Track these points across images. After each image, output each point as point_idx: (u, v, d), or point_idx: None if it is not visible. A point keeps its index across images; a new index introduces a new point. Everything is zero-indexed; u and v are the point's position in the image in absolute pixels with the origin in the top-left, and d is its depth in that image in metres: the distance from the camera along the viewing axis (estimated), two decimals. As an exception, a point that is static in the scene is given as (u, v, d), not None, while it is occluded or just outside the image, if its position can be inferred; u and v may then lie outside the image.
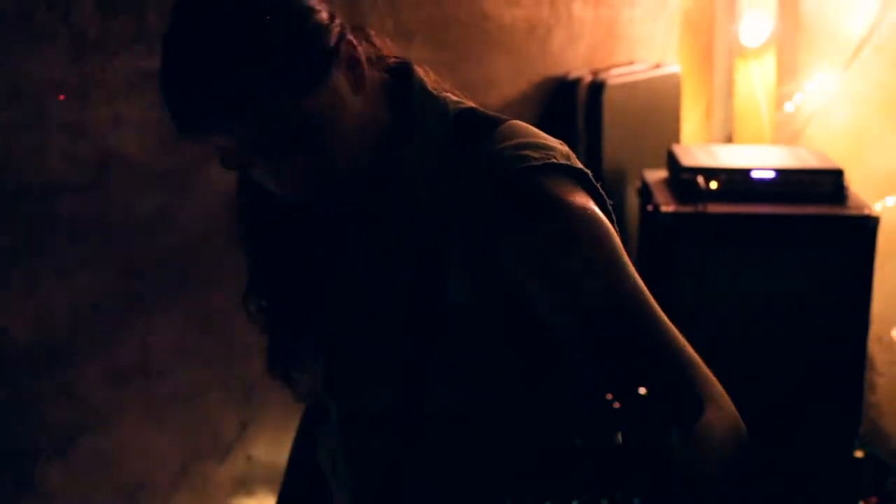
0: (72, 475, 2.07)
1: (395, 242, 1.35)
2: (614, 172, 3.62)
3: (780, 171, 3.18)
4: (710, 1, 4.70)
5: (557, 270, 1.24)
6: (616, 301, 1.22)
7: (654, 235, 3.08)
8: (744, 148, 3.93)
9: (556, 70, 3.65)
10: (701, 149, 3.55)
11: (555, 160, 1.28)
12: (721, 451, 1.11)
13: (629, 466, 0.84)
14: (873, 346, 3.78)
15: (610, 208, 1.33)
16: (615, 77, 3.71)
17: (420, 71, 1.41)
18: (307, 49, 1.22)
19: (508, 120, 1.36)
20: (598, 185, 1.32)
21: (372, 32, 1.39)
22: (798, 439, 3.10)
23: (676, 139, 4.11)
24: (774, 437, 2.85)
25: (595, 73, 3.73)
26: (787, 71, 4.31)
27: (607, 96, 3.61)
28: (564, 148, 1.33)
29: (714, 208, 3.07)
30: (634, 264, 1.28)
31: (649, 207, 3.16)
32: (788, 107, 4.29)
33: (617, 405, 0.88)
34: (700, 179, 3.10)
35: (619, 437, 0.86)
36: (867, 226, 3.02)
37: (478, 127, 1.35)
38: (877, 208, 3.11)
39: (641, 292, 1.23)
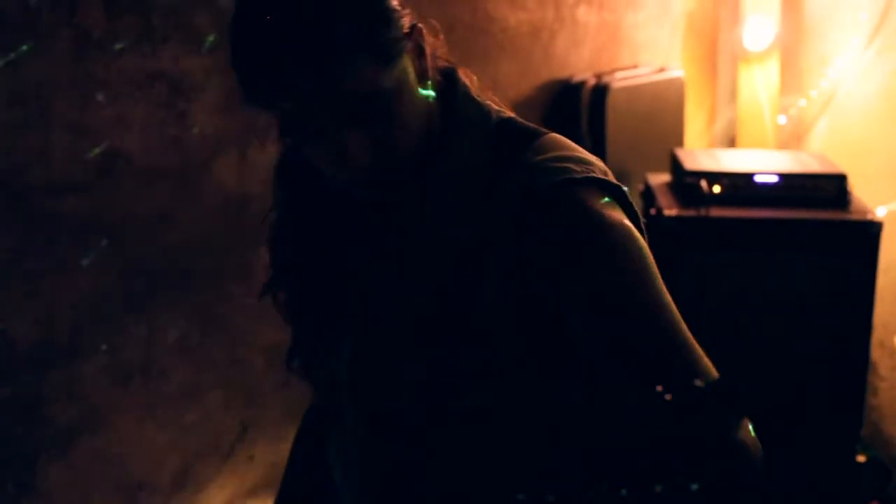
0: (73, 475, 2.07)
1: (432, 242, 1.36)
2: (617, 175, 3.55)
3: (783, 176, 3.18)
4: (714, 5, 4.70)
5: (592, 282, 1.25)
6: (647, 317, 1.23)
7: (656, 239, 3.07)
8: (747, 152, 3.92)
9: (559, 73, 3.65)
10: (704, 153, 3.55)
11: (594, 175, 1.31)
12: (755, 453, 1.16)
13: (697, 455, 0.87)
14: (875, 351, 3.78)
15: (643, 226, 1.36)
16: (619, 81, 3.71)
17: (464, 75, 1.43)
18: (388, 21, 1.25)
19: (548, 132, 1.39)
20: (633, 203, 1.35)
21: (435, 28, 1.40)
22: (800, 443, 3.10)
23: (679, 143, 4.11)
24: (776, 440, 2.84)
25: (599, 76, 3.73)
26: (791, 75, 4.31)
27: (611, 100, 3.61)
28: (601, 164, 1.36)
29: (717, 212, 3.07)
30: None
31: (652, 211, 3.16)
32: (792, 111, 4.29)
33: (668, 398, 0.91)
34: (703, 183, 3.10)
35: (685, 428, 0.89)
36: (870, 231, 3.02)
37: (519, 137, 1.38)
38: (880, 213, 3.10)
39: (672, 311, 1.25)
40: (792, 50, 4.30)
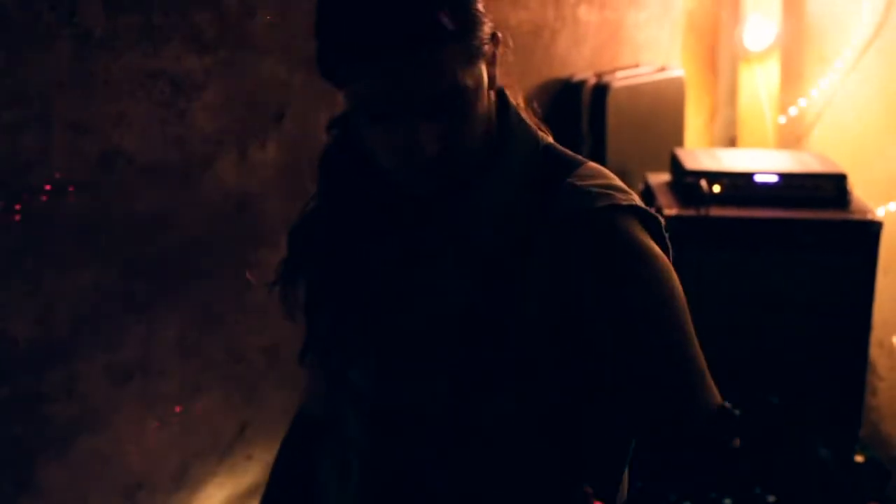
0: (71, 474, 2.07)
1: (470, 251, 1.37)
2: (617, 175, 3.60)
3: (783, 176, 3.18)
4: (715, 5, 4.70)
5: (626, 306, 1.31)
6: (672, 348, 1.30)
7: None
8: (747, 152, 3.92)
9: (560, 72, 3.65)
10: (704, 152, 3.55)
11: (636, 203, 1.36)
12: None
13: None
14: (874, 351, 3.78)
15: (671, 257, 1.39)
16: (619, 80, 3.71)
17: (511, 96, 1.45)
18: (479, 22, 1.28)
19: (588, 161, 1.43)
20: (668, 235, 1.39)
21: (507, 41, 1.42)
22: (798, 443, 3.10)
23: (680, 142, 4.11)
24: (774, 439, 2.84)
25: (599, 75, 3.73)
26: (791, 75, 4.31)
27: (611, 99, 3.61)
28: (636, 195, 1.40)
29: (717, 212, 3.07)
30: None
31: (652, 210, 3.16)
32: (792, 111, 4.29)
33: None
34: (703, 183, 3.10)
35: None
36: (870, 230, 3.02)
37: (562, 163, 1.41)
38: (880, 213, 3.10)
39: (694, 344, 1.32)
40: (792, 50, 4.30)
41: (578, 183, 1.36)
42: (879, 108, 3.93)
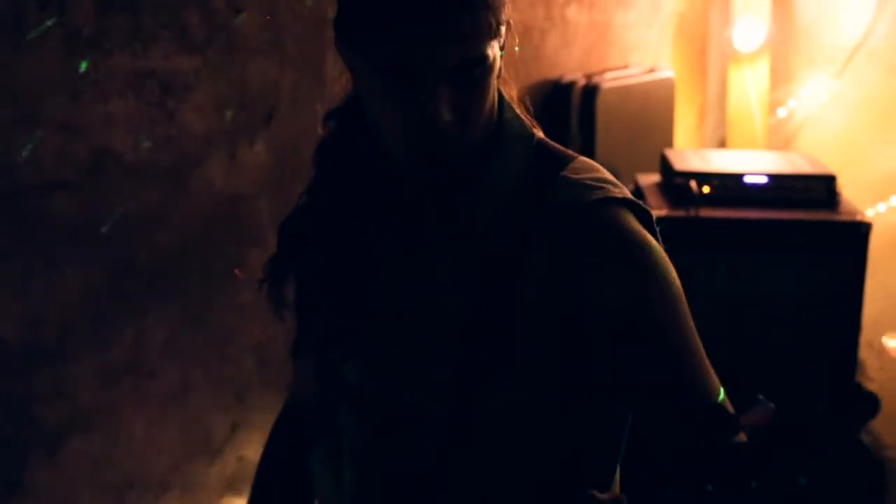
0: (62, 475, 2.06)
1: (468, 247, 1.36)
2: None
3: (772, 177, 3.19)
4: (705, 6, 4.71)
5: (627, 296, 1.31)
6: (672, 337, 1.31)
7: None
8: (737, 153, 3.93)
9: (549, 73, 3.66)
10: (694, 153, 3.56)
11: (630, 197, 1.36)
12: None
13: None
14: (864, 351, 3.79)
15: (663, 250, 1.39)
16: (609, 81, 3.72)
17: (505, 90, 1.44)
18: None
19: (579, 156, 1.43)
20: (658, 229, 1.39)
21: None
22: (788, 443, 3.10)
23: (669, 143, 4.12)
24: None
25: (589, 76, 3.73)
26: (781, 76, 4.33)
27: (601, 100, 3.62)
28: (626, 190, 1.40)
29: (706, 213, 3.08)
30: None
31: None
32: (781, 112, 4.30)
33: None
34: (693, 184, 3.11)
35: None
36: (859, 231, 3.03)
37: (555, 157, 1.41)
38: (869, 214, 3.11)
39: (694, 334, 1.33)
40: (782, 51, 4.31)
41: (573, 176, 1.36)
42: (868, 109, 3.94)
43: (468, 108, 1.29)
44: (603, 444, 1.45)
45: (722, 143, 4.68)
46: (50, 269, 1.98)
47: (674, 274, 1.35)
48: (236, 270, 2.22)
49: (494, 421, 1.36)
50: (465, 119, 1.29)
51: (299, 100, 2.43)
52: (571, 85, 3.63)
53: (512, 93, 1.46)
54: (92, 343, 2.09)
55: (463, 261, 1.36)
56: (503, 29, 1.32)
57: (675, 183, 3.17)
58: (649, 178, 3.45)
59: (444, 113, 1.26)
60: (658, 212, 3.08)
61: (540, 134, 1.46)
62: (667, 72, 4.17)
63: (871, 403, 1.34)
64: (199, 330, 2.34)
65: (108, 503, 2.20)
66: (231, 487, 2.51)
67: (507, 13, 1.32)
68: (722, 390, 1.32)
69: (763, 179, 3.18)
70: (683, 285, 1.36)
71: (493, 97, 1.36)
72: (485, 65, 1.27)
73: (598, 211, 1.33)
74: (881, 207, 3.71)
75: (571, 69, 3.78)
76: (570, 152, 1.44)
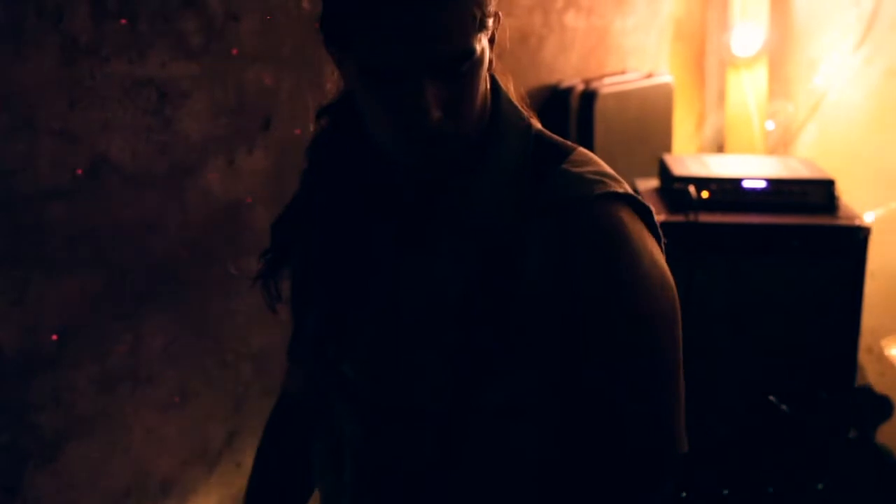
0: (60, 482, 2.06)
1: (464, 239, 1.36)
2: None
3: (771, 181, 3.19)
4: (703, 11, 4.72)
5: (611, 297, 1.33)
6: (640, 365, 1.34)
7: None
8: (735, 157, 3.93)
9: (548, 79, 3.66)
10: (692, 158, 3.56)
11: (629, 193, 1.36)
12: None
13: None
14: (863, 356, 3.78)
15: (663, 246, 1.40)
16: (607, 86, 3.72)
17: (502, 81, 1.44)
18: None
19: (579, 147, 1.43)
20: (658, 224, 1.40)
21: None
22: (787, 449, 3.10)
23: (668, 148, 4.12)
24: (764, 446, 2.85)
25: (587, 82, 3.74)
26: (779, 81, 4.32)
27: (599, 105, 3.62)
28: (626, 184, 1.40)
29: (705, 218, 3.08)
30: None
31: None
32: (780, 116, 4.30)
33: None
34: (691, 189, 3.11)
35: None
36: (858, 236, 3.03)
37: (554, 148, 1.42)
38: (868, 218, 3.11)
39: (677, 349, 1.36)
40: (780, 55, 4.31)
41: (573, 170, 1.36)
42: (867, 113, 3.95)
43: (458, 104, 1.28)
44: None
45: (720, 148, 4.68)
46: (48, 277, 1.97)
47: (668, 281, 1.36)
48: (231, 268, 2.21)
49: (492, 414, 1.36)
50: (455, 115, 1.28)
51: (297, 106, 2.43)
52: (569, 90, 3.63)
53: (508, 84, 1.45)
54: (90, 350, 2.09)
55: (461, 252, 1.36)
56: (491, 21, 1.30)
57: (674, 188, 3.17)
58: (648, 184, 3.45)
59: (433, 110, 1.25)
60: (657, 217, 3.07)
61: (538, 125, 1.46)
62: (665, 77, 4.17)
63: (884, 406, 1.35)
64: (197, 336, 2.34)
65: (106, 510, 2.20)
66: (229, 494, 2.50)
67: (496, 5, 1.31)
68: (679, 439, 1.35)
69: (762, 184, 3.18)
70: (682, 290, 1.35)
71: (485, 90, 1.35)
72: (472, 59, 1.26)
73: (597, 207, 1.32)
74: (880, 211, 3.72)
75: (569, 75, 3.78)
76: (569, 143, 1.43)
